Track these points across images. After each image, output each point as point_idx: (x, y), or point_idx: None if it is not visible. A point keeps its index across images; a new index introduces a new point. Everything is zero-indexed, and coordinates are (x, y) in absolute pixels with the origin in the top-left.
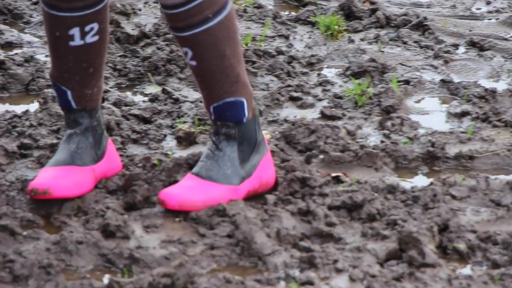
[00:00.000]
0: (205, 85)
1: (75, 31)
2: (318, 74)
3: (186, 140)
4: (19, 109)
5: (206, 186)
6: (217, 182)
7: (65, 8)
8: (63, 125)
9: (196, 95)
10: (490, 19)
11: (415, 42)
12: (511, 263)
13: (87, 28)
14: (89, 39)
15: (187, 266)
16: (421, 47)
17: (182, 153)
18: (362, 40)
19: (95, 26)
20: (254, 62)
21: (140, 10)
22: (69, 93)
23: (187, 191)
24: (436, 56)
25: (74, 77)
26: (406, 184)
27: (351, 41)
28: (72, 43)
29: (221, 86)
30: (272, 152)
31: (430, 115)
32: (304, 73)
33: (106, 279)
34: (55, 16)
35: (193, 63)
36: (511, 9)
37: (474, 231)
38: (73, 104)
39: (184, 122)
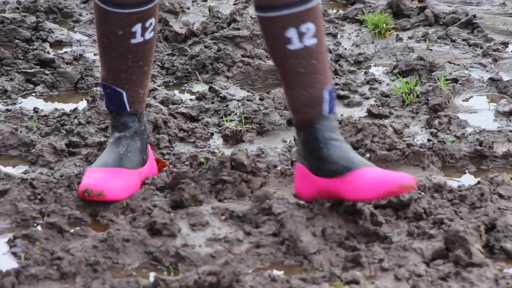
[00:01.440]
0: (321, 66)
1: (138, 28)
2: (366, 73)
3: (233, 138)
4: (68, 107)
5: None
6: None
7: (130, 4)
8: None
9: (243, 93)
10: None
11: (464, 40)
12: None
13: (147, 24)
14: (147, 35)
15: (232, 264)
16: (470, 45)
17: (229, 151)
18: (410, 38)
19: (153, 21)
20: None
21: (188, 8)
22: (124, 94)
23: None
24: (484, 54)
25: (131, 76)
26: (453, 183)
27: (399, 39)
28: (133, 41)
29: (327, 67)
30: None
31: (478, 113)
32: (351, 72)
33: (152, 277)
34: (119, 14)
35: (314, 41)
36: None
37: None
38: (127, 106)
39: (231, 120)
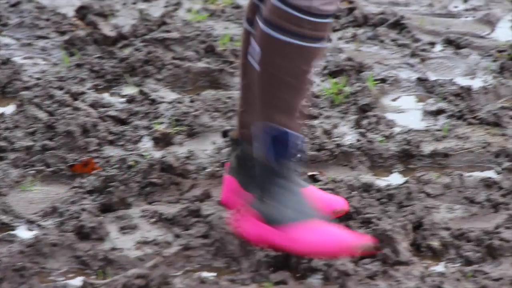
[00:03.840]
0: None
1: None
2: None
3: (162, 141)
4: None
5: None
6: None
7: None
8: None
9: (173, 95)
10: (466, 17)
11: (392, 40)
12: (484, 260)
13: None
14: None
15: (161, 267)
16: (398, 46)
17: (158, 154)
18: (339, 39)
19: None
20: (231, 63)
21: (118, 11)
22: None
23: None
24: (412, 55)
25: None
26: (382, 182)
27: (329, 40)
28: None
29: None
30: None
31: (406, 113)
32: None
33: (80, 281)
34: (321, 48)
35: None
36: (487, 7)
37: (448, 229)
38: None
39: (161, 123)
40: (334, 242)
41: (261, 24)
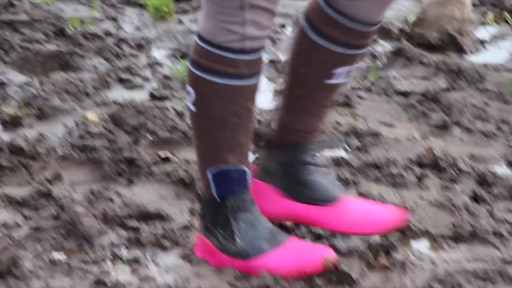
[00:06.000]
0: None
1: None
2: (147, 56)
3: (12, 123)
4: None
5: None
6: None
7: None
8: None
9: (22, 78)
10: None
11: None
12: (332, 235)
13: None
14: None
15: (10, 249)
16: None
17: (7, 137)
18: (191, 21)
19: None
20: (82, 45)
21: None
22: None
23: None
24: None
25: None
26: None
27: (181, 22)
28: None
29: None
30: (101, 134)
31: (259, 94)
32: (133, 55)
33: None
34: (253, 85)
35: (348, 79)
36: None
37: None
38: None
39: (10, 105)
40: (311, 261)
41: (191, 67)
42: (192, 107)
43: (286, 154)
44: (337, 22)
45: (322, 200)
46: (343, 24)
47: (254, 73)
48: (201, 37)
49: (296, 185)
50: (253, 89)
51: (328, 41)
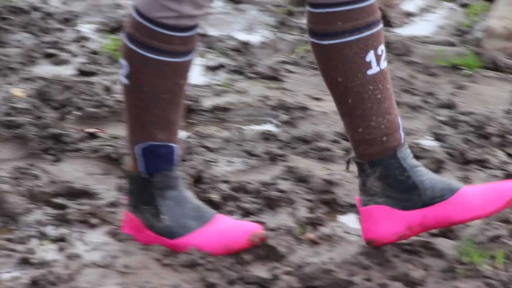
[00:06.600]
0: (392, 90)
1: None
2: (74, 30)
3: None
4: None
5: None
6: None
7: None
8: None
9: None
10: None
11: None
12: (262, 210)
13: None
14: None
15: None
16: None
17: None
18: None
19: None
20: (5, 19)
21: None
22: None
23: None
24: None
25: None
26: None
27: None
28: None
29: None
30: (27, 110)
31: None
32: (59, 29)
33: None
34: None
35: (386, 63)
36: None
37: (227, 181)
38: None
39: None
40: (238, 237)
41: (126, 40)
42: (125, 80)
43: (380, 167)
44: (332, 14)
45: (439, 196)
46: (339, 12)
47: (188, 50)
48: (137, 11)
49: (407, 192)
50: (186, 67)
51: (337, 37)
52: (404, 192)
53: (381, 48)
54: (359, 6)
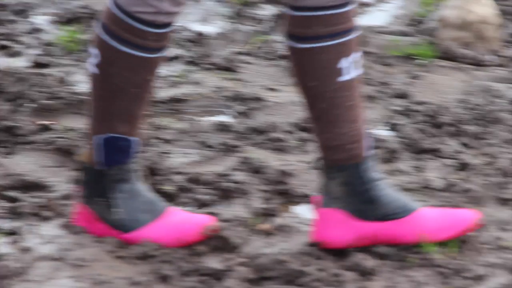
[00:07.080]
0: (360, 99)
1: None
2: (28, 22)
3: None
4: None
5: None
6: None
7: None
8: None
9: None
10: None
11: None
12: (216, 201)
13: None
14: None
15: None
16: None
17: None
18: None
19: None
20: None
21: None
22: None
23: None
24: None
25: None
26: None
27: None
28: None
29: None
30: None
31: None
32: (13, 21)
33: None
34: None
35: (359, 71)
36: None
37: (182, 173)
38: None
39: None
40: (190, 230)
41: (100, 31)
42: (95, 69)
43: (343, 174)
44: (312, 18)
45: (397, 213)
46: (320, 16)
47: (161, 47)
48: (115, 3)
49: (365, 203)
50: (156, 63)
51: (315, 41)
52: (362, 203)
53: (356, 55)
54: (339, 11)
